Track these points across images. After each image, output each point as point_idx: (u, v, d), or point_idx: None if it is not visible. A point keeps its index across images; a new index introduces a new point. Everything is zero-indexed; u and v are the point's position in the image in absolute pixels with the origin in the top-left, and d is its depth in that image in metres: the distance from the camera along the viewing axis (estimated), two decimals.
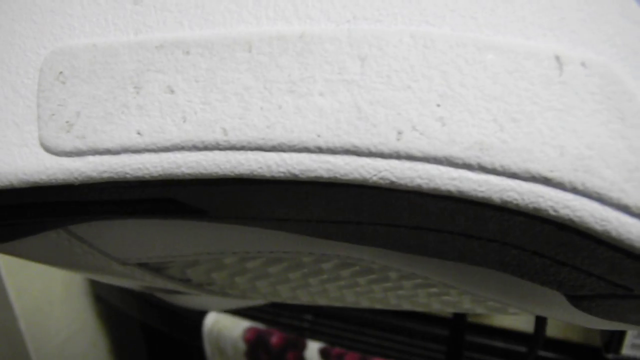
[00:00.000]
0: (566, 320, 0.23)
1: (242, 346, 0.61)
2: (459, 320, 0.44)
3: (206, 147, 0.15)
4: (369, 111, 0.14)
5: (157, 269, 0.25)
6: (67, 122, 0.15)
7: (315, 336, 0.59)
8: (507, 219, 0.14)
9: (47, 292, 0.69)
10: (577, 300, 0.18)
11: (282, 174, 0.14)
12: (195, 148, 0.15)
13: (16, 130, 0.16)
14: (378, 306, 0.27)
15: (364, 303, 0.27)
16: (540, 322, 0.40)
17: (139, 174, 0.15)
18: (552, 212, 0.13)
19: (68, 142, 0.15)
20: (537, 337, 0.39)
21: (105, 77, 0.15)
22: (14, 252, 0.23)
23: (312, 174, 0.14)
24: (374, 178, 0.14)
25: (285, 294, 0.27)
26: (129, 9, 0.16)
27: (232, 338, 0.61)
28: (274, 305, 0.62)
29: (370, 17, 0.15)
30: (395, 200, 0.15)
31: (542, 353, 0.51)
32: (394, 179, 0.14)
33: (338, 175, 0.14)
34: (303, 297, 0.27)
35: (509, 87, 0.14)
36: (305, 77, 0.15)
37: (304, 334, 0.60)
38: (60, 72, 0.15)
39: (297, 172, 0.14)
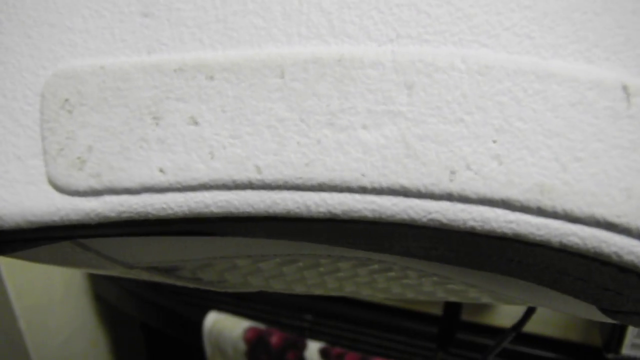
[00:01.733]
0: (580, 315, 0.23)
1: (242, 346, 0.61)
2: (449, 313, 0.44)
3: (238, 187, 0.13)
4: (419, 148, 0.13)
5: (167, 271, 0.24)
6: (78, 158, 0.14)
7: (315, 336, 0.60)
8: (562, 257, 0.14)
9: (47, 292, 0.69)
10: (612, 313, 0.18)
11: (321, 214, 0.13)
12: (226, 187, 0.13)
13: (19, 165, 0.14)
14: (382, 295, 0.27)
15: (372, 294, 0.27)
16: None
17: (163, 214, 0.14)
18: (615, 258, 0.13)
19: (81, 180, 0.14)
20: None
21: (118, 106, 0.14)
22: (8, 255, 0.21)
23: (356, 215, 0.13)
24: (424, 220, 0.13)
25: (299, 290, 0.26)
26: (138, 23, 0.14)
27: (232, 338, 0.62)
28: (274, 305, 0.62)
29: (416, 35, 0.13)
30: (443, 236, 0.14)
31: (542, 353, 0.53)
32: (445, 221, 0.13)
33: (384, 217, 0.13)
34: (317, 292, 0.26)
35: (572, 121, 0.13)
36: (346, 108, 0.13)
37: (304, 334, 0.60)
38: (66, 100, 0.14)
39: (338, 212, 0.13)
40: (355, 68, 0.13)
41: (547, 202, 0.13)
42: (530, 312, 0.42)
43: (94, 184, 0.14)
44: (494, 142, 0.13)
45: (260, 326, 0.61)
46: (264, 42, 0.14)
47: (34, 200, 0.14)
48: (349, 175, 0.13)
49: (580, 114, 0.13)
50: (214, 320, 0.63)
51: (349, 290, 0.26)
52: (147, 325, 0.76)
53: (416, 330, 0.56)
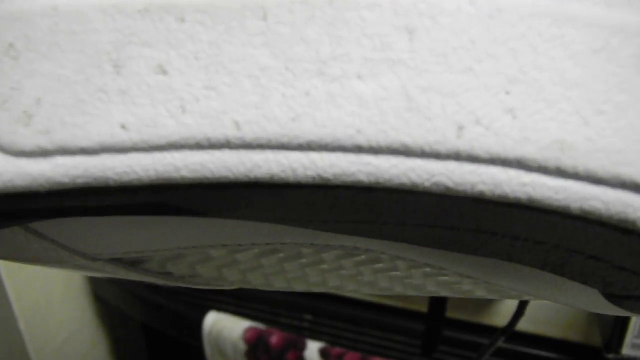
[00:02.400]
0: (577, 306, 0.21)
1: (242, 346, 0.61)
2: (436, 311, 0.43)
3: (213, 146, 0.12)
4: (422, 100, 0.11)
5: (132, 264, 0.22)
6: (24, 112, 0.12)
7: (315, 336, 0.59)
8: (579, 228, 0.12)
9: (47, 292, 0.68)
10: (619, 299, 0.17)
11: (310, 179, 0.12)
12: (199, 147, 0.12)
13: None
14: (367, 290, 0.26)
15: (357, 288, 0.25)
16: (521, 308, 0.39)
17: (125, 179, 0.12)
18: None
19: (28, 138, 0.12)
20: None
21: (72, 52, 0.12)
22: None
23: (349, 179, 0.12)
24: (427, 184, 0.12)
25: (279, 285, 0.24)
26: None
27: (232, 338, 0.61)
28: (274, 305, 0.62)
29: None
30: (446, 206, 0.12)
31: (542, 353, 0.53)
32: (450, 185, 0.12)
33: (381, 180, 0.12)
34: (298, 287, 0.25)
35: (594, 70, 0.11)
36: (338, 55, 0.12)
37: (304, 334, 0.60)
38: (11, 45, 0.12)
39: (329, 176, 0.12)
40: (350, 10, 0.12)
41: (567, 161, 0.11)
42: (519, 313, 0.41)
43: (43, 142, 0.12)
44: (507, 93, 0.11)
45: (260, 326, 0.61)
46: None
47: None
48: (343, 132, 0.12)
49: (603, 62, 0.11)
50: (214, 320, 0.63)
51: (332, 284, 0.24)
52: (147, 325, 0.76)
53: (416, 330, 0.56)
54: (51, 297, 0.69)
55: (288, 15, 0.12)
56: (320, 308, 0.60)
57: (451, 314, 0.54)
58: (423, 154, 0.12)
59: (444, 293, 0.24)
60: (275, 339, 0.59)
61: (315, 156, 0.12)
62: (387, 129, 0.11)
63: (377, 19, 0.12)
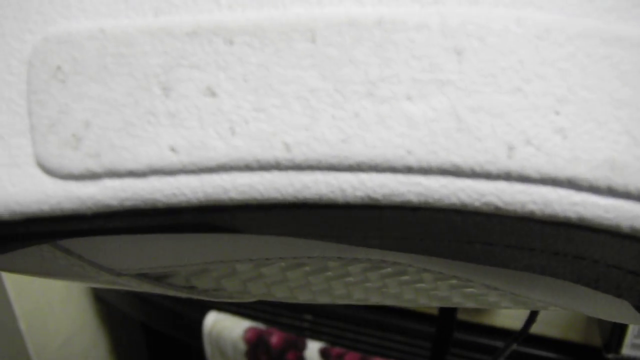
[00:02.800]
0: (604, 317, 0.22)
1: (242, 346, 0.61)
2: (446, 318, 0.43)
3: (262, 167, 0.12)
4: (472, 121, 0.11)
5: (157, 278, 0.22)
6: (73, 135, 0.12)
7: (315, 336, 0.59)
8: (626, 246, 0.12)
9: (47, 292, 0.68)
10: None
11: (358, 199, 0.12)
12: (248, 168, 0.12)
13: (1, 145, 0.12)
14: (391, 302, 0.26)
15: (381, 301, 0.25)
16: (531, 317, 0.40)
17: (173, 201, 0.12)
18: None
19: (76, 162, 0.12)
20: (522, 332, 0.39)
21: (121, 75, 0.12)
22: None
23: (398, 199, 0.12)
24: (476, 203, 0.12)
25: (303, 297, 0.24)
26: None
27: (232, 338, 0.61)
28: (274, 305, 0.62)
29: None
30: (491, 224, 0.13)
31: (542, 353, 0.53)
32: (500, 205, 0.12)
33: (431, 200, 0.12)
34: (321, 299, 0.25)
35: None
36: (387, 76, 0.12)
37: (304, 334, 0.60)
38: (59, 68, 0.12)
39: (378, 196, 0.12)
40: (398, 31, 0.12)
41: (618, 180, 0.11)
42: (532, 319, 0.41)
43: (92, 165, 0.12)
44: (557, 113, 0.11)
45: (260, 326, 0.61)
46: (290, 3, 0.12)
47: (18, 186, 0.12)
48: (393, 153, 0.12)
49: None
50: (214, 320, 0.63)
51: (357, 297, 0.24)
52: (147, 325, 0.76)
53: (416, 330, 0.56)
54: (51, 297, 0.69)
55: (336, 37, 0.12)
56: (320, 308, 0.60)
57: None
58: (473, 174, 0.12)
59: (469, 304, 0.24)
60: (275, 339, 0.59)
61: (364, 177, 0.12)
62: (437, 149, 0.12)
63: (425, 40, 0.12)
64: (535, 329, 0.51)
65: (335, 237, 0.14)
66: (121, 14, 0.12)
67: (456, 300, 0.23)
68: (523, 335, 0.41)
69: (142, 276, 0.22)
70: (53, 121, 0.12)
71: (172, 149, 0.12)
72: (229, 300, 0.24)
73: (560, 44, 0.12)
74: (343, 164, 0.12)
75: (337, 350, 0.57)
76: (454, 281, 0.22)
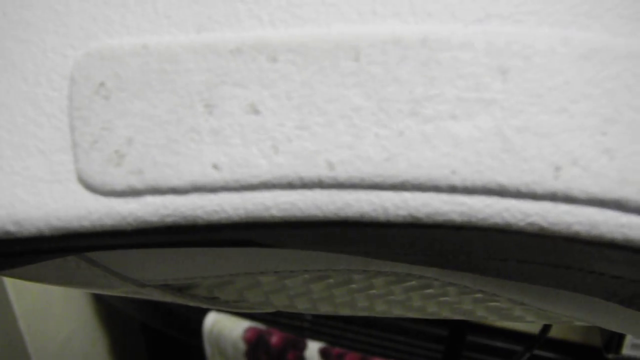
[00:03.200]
0: (632, 334, 0.21)
1: (242, 346, 0.61)
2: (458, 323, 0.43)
3: (305, 185, 0.12)
4: (518, 141, 0.11)
5: (180, 289, 0.22)
6: (116, 151, 0.12)
7: (315, 336, 0.59)
8: None
9: (47, 292, 0.69)
10: None
11: (400, 218, 0.12)
12: (291, 186, 0.12)
13: (42, 161, 0.12)
14: (413, 315, 0.25)
15: (404, 313, 0.25)
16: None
17: (214, 217, 0.12)
18: None
19: (119, 178, 0.12)
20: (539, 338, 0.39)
21: (164, 92, 0.12)
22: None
23: (441, 218, 0.12)
24: (521, 224, 0.12)
25: (324, 309, 0.24)
26: None
27: (232, 338, 0.61)
28: None
29: (507, 15, 0.12)
30: (532, 243, 0.12)
31: (542, 353, 0.53)
32: (545, 225, 0.11)
33: (474, 220, 0.12)
34: (343, 311, 0.24)
35: None
36: (432, 95, 0.12)
37: (304, 334, 0.60)
38: (102, 84, 0.12)
39: (421, 215, 0.12)
40: (442, 50, 0.12)
41: None
42: (548, 327, 0.40)
43: (135, 182, 0.12)
44: (604, 134, 0.11)
45: (260, 326, 0.61)
46: (333, 21, 0.12)
47: (60, 202, 0.12)
48: (437, 172, 0.11)
49: None
50: (214, 320, 0.63)
51: (379, 309, 0.24)
52: (147, 325, 0.76)
53: (416, 330, 0.55)
54: (51, 297, 0.69)
55: (381, 55, 0.12)
56: None
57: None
58: (518, 194, 0.12)
59: (492, 317, 0.23)
60: (275, 338, 0.59)
61: (407, 195, 0.12)
62: (482, 169, 0.11)
63: (470, 59, 0.12)
64: (536, 328, 0.51)
65: (373, 254, 0.14)
66: (164, 30, 0.12)
67: (480, 313, 0.23)
68: (540, 342, 0.41)
69: (166, 287, 0.22)
70: (96, 138, 0.12)
71: (215, 167, 0.12)
72: (250, 311, 0.24)
73: (606, 63, 0.12)
74: (386, 182, 0.12)
75: (337, 350, 0.57)
76: (478, 295, 0.22)
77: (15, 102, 0.12)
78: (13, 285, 0.62)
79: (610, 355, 0.46)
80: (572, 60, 0.12)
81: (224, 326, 0.61)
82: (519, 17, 0.12)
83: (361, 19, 0.12)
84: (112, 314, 0.80)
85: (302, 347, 0.58)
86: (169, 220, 0.12)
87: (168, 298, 0.23)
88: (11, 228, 0.12)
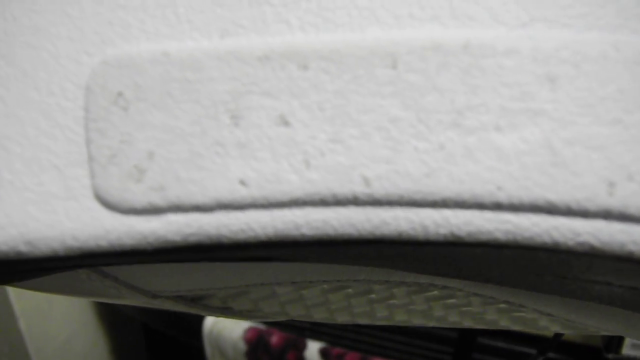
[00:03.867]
0: None
1: (242, 346, 0.60)
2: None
3: (338, 202, 0.11)
4: (568, 154, 0.11)
5: (193, 300, 0.21)
6: (135, 166, 0.11)
7: (315, 336, 0.59)
8: None
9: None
10: None
11: (441, 237, 0.11)
12: (323, 203, 0.11)
13: (57, 176, 0.11)
14: (433, 324, 0.25)
15: (425, 323, 0.25)
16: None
17: (241, 236, 0.11)
18: None
19: (139, 195, 0.11)
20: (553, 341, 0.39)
21: (187, 102, 0.11)
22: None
23: (484, 237, 0.11)
24: (570, 243, 0.11)
25: (342, 319, 0.23)
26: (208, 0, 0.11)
27: (232, 338, 0.61)
28: None
29: (553, 18, 0.11)
30: (574, 261, 0.12)
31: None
32: (597, 244, 0.11)
33: (520, 239, 0.11)
34: (361, 321, 0.24)
35: None
36: (474, 105, 0.11)
37: (304, 334, 0.60)
38: (119, 94, 0.11)
39: (463, 234, 0.11)
40: (486, 56, 0.11)
41: None
42: (559, 335, 0.40)
43: (156, 199, 0.11)
44: None
45: (260, 326, 0.61)
46: (367, 25, 0.11)
47: (75, 220, 0.11)
48: (481, 188, 0.11)
49: None
50: (214, 320, 0.63)
51: (399, 319, 0.23)
52: (147, 325, 0.76)
53: (416, 330, 0.55)
54: (52, 297, 0.68)
55: (419, 62, 0.11)
56: None
57: None
58: (569, 212, 0.11)
59: (515, 327, 0.23)
60: (275, 338, 0.59)
61: (448, 213, 0.11)
62: (530, 185, 0.11)
63: (515, 67, 0.11)
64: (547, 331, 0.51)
65: (407, 269, 0.13)
66: (185, 35, 0.11)
67: (503, 323, 0.23)
68: (553, 346, 0.41)
69: (178, 298, 0.21)
70: (114, 151, 0.11)
71: (242, 182, 0.11)
72: (262, 320, 0.24)
73: None
74: (426, 199, 0.11)
75: (337, 350, 0.57)
76: (503, 305, 0.21)
77: (26, 112, 0.11)
78: None
79: (610, 355, 0.46)
80: (624, 67, 0.11)
81: (224, 326, 0.61)
82: (566, 20, 0.11)
83: (398, 23, 0.11)
84: (112, 314, 0.79)
85: (302, 347, 0.58)
86: (193, 239, 0.11)
87: (180, 308, 0.22)
88: (23, 248, 0.11)
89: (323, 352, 0.57)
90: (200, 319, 0.63)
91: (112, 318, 0.80)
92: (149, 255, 0.12)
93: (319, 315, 0.23)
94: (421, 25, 0.11)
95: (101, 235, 0.11)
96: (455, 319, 0.23)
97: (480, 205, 0.11)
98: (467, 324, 0.23)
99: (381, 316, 0.23)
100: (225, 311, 0.23)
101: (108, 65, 0.11)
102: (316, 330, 0.59)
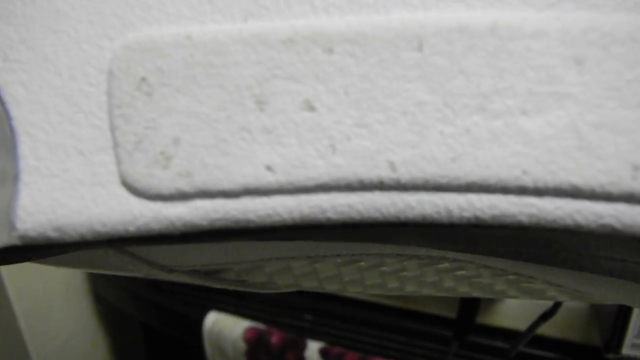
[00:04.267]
0: None
1: (242, 346, 0.61)
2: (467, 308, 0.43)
3: (364, 187, 0.11)
4: (594, 138, 0.11)
5: (209, 274, 0.22)
6: (161, 152, 0.11)
7: (315, 336, 0.59)
8: None
9: (47, 292, 0.68)
10: None
11: (465, 220, 0.11)
12: (349, 188, 0.11)
13: (83, 162, 0.11)
14: (443, 294, 0.25)
15: (434, 293, 0.25)
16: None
17: (267, 221, 0.11)
18: None
19: (166, 181, 0.11)
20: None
21: (211, 86, 0.11)
22: None
23: (508, 220, 0.11)
24: (592, 225, 0.11)
25: (353, 289, 0.24)
26: None
27: (232, 338, 0.61)
28: (274, 305, 0.61)
29: None
30: (592, 240, 0.12)
31: (542, 353, 0.53)
32: (619, 227, 0.11)
33: (543, 222, 0.11)
34: (373, 291, 0.24)
35: None
36: (501, 89, 0.11)
37: (304, 334, 0.60)
38: (143, 79, 0.11)
39: (487, 217, 0.11)
40: (513, 39, 0.11)
41: None
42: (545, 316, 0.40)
43: (183, 185, 0.11)
44: None
45: (260, 326, 0.61)
46: (392, 7, 0.11)
47: (102, 206, 0.11)
48: (507, 173, 0.11)
49: None
50: (214, 320, 0.63)
51: (409, 290, 0.23)
52: (147, 325, 0.76)
53: (416, 330, 0.56)
54: (51, 297, 0.69)
55: (446, 45, 0.11)
56: (320, 308, 0.60)
57: (450, 313, 0.54)
58: (593, 196, 0.11)
59: (523, 297, 0.23)
60: (275, 338, 0.59)
61: (473, 197, 0.11)
62: (555, 169, 0.11)
63: (543, 49, 0.11)
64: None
65: (424, 246, 0.14)
66: (207, 17, 0.11)
67: (512, 293, 0.23)
68: (527, 338, 0.41)
69: (194, 272, 0.22)
70: (140, 137, 0.11)
71: (268, 168, 0.11)
72: (275, 291, 0.24)
73: None
74: (452, 184, 0.11)
75: (337, 350, 0.57)
76: (512, 277, 0.21)
77: (49, 98, 0.11)
78: (13, 285, 0.62)
79: (610, 355, 0.46)
80: None
81: (224, 326, 0.61)
82: (594, 1, 0.11)
83: (423, 4, 0.11)
84: (112, 314, 0.80)
85: (302, 347, 0.58)
86: (219, 224, 0.11)
87: (196, 281, 0.23)
88: (52, 234, 0.11)
89: (323, 352, 0.58)
90: (200, 319, 0.63)
91: (112, 318, 0.80)
92: (175, 239, 0.12)
93: (331, 287, 0.23)
94: (447, 6, 0.11)
95: (129, 220, 0.11)
96: (464, 290, 0.23)
97: (505, 190, 0.11)
98: (476, 293, 0.23)
99: (392, 287, 0.23)
100: (241, 284, 0.23)
101: (130, 50, 0.11)
102: (316, 330, 0.59)
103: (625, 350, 0.46)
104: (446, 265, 0.22)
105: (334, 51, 0.11)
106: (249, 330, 0.60)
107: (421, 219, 0.11)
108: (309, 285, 0.23)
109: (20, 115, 0.11)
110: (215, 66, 0.11)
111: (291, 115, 0.11)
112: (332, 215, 0.11)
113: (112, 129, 0.11)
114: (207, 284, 0.23)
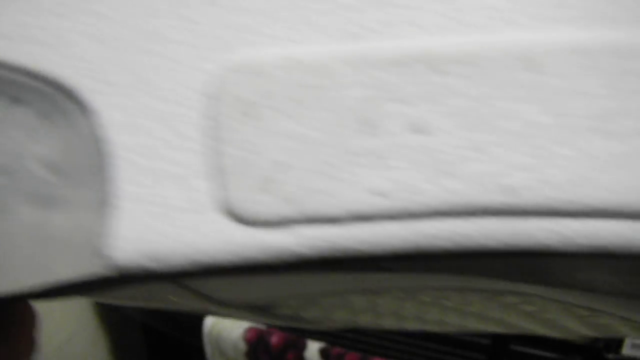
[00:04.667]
0: None
1: (242, 346, 0.61)
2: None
3: (480, 213, 0.10)
4: None
5: (264, 309, 0.21)
6: (266, 177, 0.10)
7: (315, 336, 0.58)
8: None
9: None
10: None
11: (585, 248, 0.10)
12: (464, 215, 0.10)
13: (180, 189, 0.11)
14: (507, 331, 0.24)
15: (499, 330, 0.24)
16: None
17: (377, 250, 0.10)
18: None
19: (269, 207, 0.10)
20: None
21: (318, 109, 0.11)
22: None
23: (636, 250, 0.10)
24: None
25: (411, 327, 0.23)
26: (333, 1, 0.11)
27: (232, 338, 0.61)
28: None
29: None
30: None
31: (542, 353, 0.52)
32: None
33: None
34: (432, 329, 0.23)
35: None
36: (622, 110, 0.10)
37: (304, 334, 0.59)
38: (250, 102, 0.11)
39: (612, 247, 0.10)
40: (632, 58, 0.10)
41: None
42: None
43: (288, 211, 0.11)
44: None
45: (260, 326, 0.60)
46: (501, 26, 0.11)
47: (202, 235, 0.11)
48: (635, 199, 0.10)
49: None
50: (214, 320, 0.62)
51: (471, 327, 0.23)
52: (147, 325, 0.75)
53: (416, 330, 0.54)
54: None
55: (562, 65, 0.11)
56: None
57: None
58: None
59: (593, 334, 0.22)
60: (275, 338, 0.59)
61: (597, 224, 0.10)
62: None
63: None
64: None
65: (529, 281, 0.13)
66: (311, 39, 0.11)
67: (584, 331, 0.22)
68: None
69: (249, 307, 0.21)
70: (243, 162, 0.11)
71: (378, 193, 0.11)
72: (330, 328, 0.23)
73: None
74: (571, 209, 0.10)
75: (337, 350, 0.57)
76: (584, 312, 0.21)
77: (148, 122, 0.11)
78: None
79: (610, 355, 0.46)
80: None
81: (224, 326, 0.61)
82: None
83: (534, 24, 0.11)
84: (112, 314, 0.79)
85: (302, 347, 0.58)
86: (325, 253, 0.11)
87: (248, 317, 0.22)
88: (150, 264, 0.11)
89: (323, 352, 0.57)
90: (200, 319, 0.62)
91: (112, 318, 0.79)
92: (278, 270, 0.11)
93: (388, 323, 0.23)
94: (556, 25, 0.11)
95: (231, 250, 0.11)
96: (530, 327, 0.22)
97: (633, 215, 0.10)
98: (542, 331, 0.22)
99: (452, 323, 0.22)
100: (296, 320, 0.22)
101: (237, 73, 0.11)
102: (316, 330, 0.59)
103: (625, 350, 0.45)
104: (512, 299, 0.21)
105: (446, 72, 0.11)
106: (249, 330, 0.60)
107: (540, 247, 0.11)
108: (365, 320, 0.22)
109: (118, 140, 0.11)
110: (322, 89, 0.11)
111: (402, 139, 0.11)
112: (444, 243, 0.11)
113: (214, 153, 0.11)
114: (261, 320, 0.22)
